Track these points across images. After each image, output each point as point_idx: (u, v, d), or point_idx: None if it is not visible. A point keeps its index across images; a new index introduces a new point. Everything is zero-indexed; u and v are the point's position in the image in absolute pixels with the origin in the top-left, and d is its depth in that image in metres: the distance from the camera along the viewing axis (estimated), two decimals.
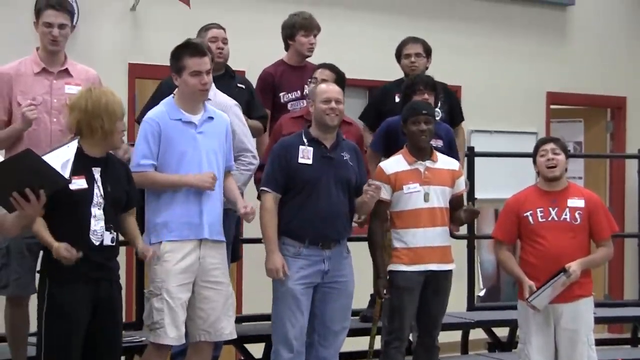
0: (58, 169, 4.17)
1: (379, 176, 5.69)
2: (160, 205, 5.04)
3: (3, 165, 4.09)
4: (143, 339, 5.63)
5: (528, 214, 5.76)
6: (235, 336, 5.27)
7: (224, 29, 6.15)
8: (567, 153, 5.84)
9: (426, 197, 5.63)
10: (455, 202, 5.81)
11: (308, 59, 6.46)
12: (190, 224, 5.03)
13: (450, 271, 5.75)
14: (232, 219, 5.64)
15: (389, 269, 5.67)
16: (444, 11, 9.40)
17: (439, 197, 5.68)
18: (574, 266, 5.59)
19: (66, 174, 4.24)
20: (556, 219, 5.73)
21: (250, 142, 5.68)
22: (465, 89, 9.47)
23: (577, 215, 5.71)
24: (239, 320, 6.42)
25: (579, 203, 5.74)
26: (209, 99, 5.53)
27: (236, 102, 5.69)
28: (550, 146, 5.79)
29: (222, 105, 5.52)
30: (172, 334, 4.98)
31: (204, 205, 5.06)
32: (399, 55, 6.64)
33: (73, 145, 4.39)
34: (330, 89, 5.45)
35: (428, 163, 5.69)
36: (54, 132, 5.14)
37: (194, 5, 7.38)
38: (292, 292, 5.29)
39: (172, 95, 5.21)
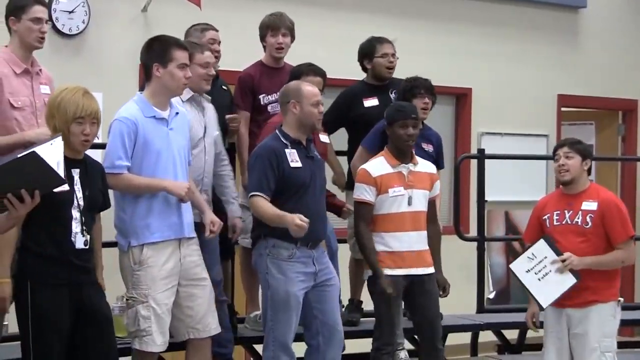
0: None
1: (364, 178, 5.65)
2: (139, 207, 4.95)
3: (7, 166, 4.04)
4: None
5: (546, 217, 5.75)
6: (220, 330, 5.25)
7: (217, 30, 6.14)
8: (585, 154, 5.74)
9: (410, 201, 5.63)
10: (428, 206, 5.78)
11: (287, 60, 6.32)
12: (171, 224, 5.00)
13: (432, 274, 5.74)
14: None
15: (373, 274, 5.63)
16: (454, 14, 9.40)
17: (421, 201, 5.68)
18: (575, 257, 5.55)
19: (61, 175, 4.18)
20: (569, 222, 5.68)
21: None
22: (476, 91, 9.48)
23: (588, 219, 5.65)
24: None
25: (592, 206, 5.66)
26: (209, 103, 5.61)
27: None
28: (563, 150, 5.73)
29: (208, 105, 5.63)
30: (159, 341, 4.97)
31: (183, 205, 5.05)
32: (370, 54, 6.42)
33: (57, 144, 4.23)
34: (317, 92, 5.44)
35: (410, 166, 5.69)
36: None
37: (205, 6, 7.40)
38: (296, 297, 5.27)
39: (140, 92, 5.17)
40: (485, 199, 7.47)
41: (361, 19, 8.71)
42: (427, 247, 5.72)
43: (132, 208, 4.94)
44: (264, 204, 5.21)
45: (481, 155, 7.47)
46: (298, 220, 5.07)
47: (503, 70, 9.65)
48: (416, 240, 5.65)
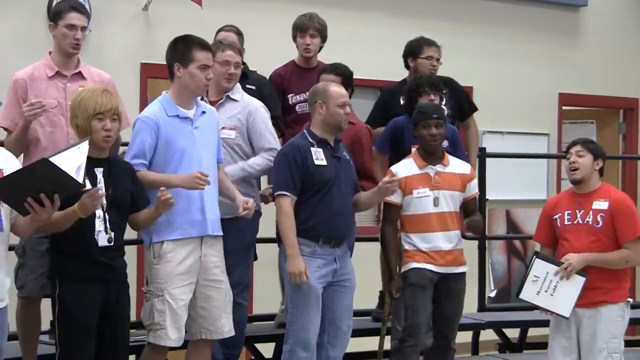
0: (72, 173, 4.19)
1: None
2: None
3: (19, 173, 4.13)
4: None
5: (557, 216, 5.71)
6: (233, 334, 5.24)
7: (236, 32, 6.13)
8: (597, 153, 5.71)
9: (436, 202, 5.63)
10: (468, 206, 5.79)
11: (321, 60, 6.41)
12: (194, 221, 4.99)
13: (463, 273, 5.75)
14: (255, 220, 5.65)
15: (402, 270, 5.67)
16: (455, 12, 9.41)
17: (449, 202, 5.68)
18: (572, 257, 5.54)
19: (80, 179, 4.25)
20: (580, 222, 5.64)
21: (272, 142, 5.63)
22: (477, 90, 9.45)
23: (599, 218, 5.60)
24: (250, 320, 6.41)
25: (603, 205, 5.62)
26: (237, 100, 5.55)
27: (263, 104, 5.69)
28: (575, 148, 5.71)
29: (250, 106, 5.56)
30: (173, 336, 4.97)
31: (206, 202, 5.03)
32: (416, 53, 6.47)
33: (84, 148, 4.36)
34: (345, 92, 5.48)
35: (439, 167, 5.69)
36: (71, 134, 5.09)
37: (206, 5, 7.39)
38: (316, 291, 5.29)
39: (165, 91, 5.16)
40: (487, 197, 7.47)
41: (363, 17, 8.73)
42: (458, 247, 5.73)
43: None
44: (290, 221, 5.23)
45: (482, 154, 7.46)
46: (297, 269, 5.17)
47: (504, 69, 9.66)
48: (443, 241, 5.65)
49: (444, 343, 5.78)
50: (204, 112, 5.13)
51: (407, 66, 6.56)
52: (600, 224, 5.60)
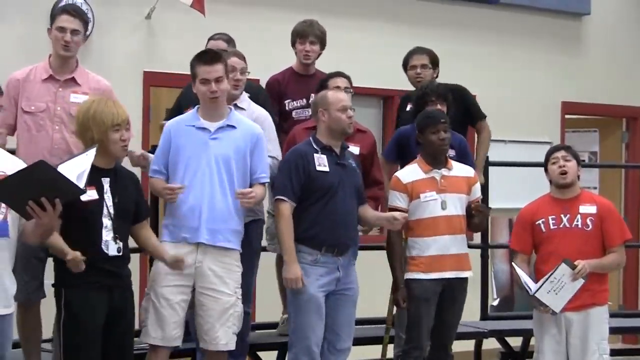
0: (73, 179, 4.22)
1: (395, 186, 5.71)
2: (165, 209, 5.20)
3: (17, 175, 4.15)
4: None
5: (540, 222, 5.77)
6: (233, 348, 5.21)
7: (226, 39, 6.11)
8: (578, 160, 5.84)
9: (443, 205, 5.65)
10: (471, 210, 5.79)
11: (319, 68, 6.40)
12: (189, 228, 5.05)
13: (466, 279, 5.77)
14: (259, 229, 5.69)
15: (406, 277, 5.68)
16: (458, 20, 9.41)
17: (456, 205, 5.70)
18: (585, 264, 5.57)
19: (81, 184, 4.28)
20: (568, 225, 5.73)
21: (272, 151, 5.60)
22: (480, 98, 9.39)
23: (588, 222, 5.71)
24: (252, 327, 6.39)
25: (591, 209, 5.73)
26: (243, 109, 5.53)
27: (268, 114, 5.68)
28: (561, 153, 5.79)
29: (256, 115, 5.56)
30: (154, 334, 5.02)
31: (209, 211, 5.06)
32: (405, 65, 6.57)
33: (91, 154, 4.43)
34: (345, 97, 5.49)
35: (444, 171, 5.71)
36: (55, 140, 5.17)
37: (209, 13, 7.40)
38: (316, 299, 5.29)
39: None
40: (489, 205, 7.45)
41: (372, 27, 8.74)
42: (464, 251, 5.75)
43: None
44: (288, 226, 5.26)
45: (485, 163, 7.46)
46: (293, 275, 5.22)
47: (507, 78, 9.65)
48: (451, 244, 5.67)
49: (443, 349, 5.79)
50: (232, 127, 5.16)
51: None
52: (590, 227, 5.71)
